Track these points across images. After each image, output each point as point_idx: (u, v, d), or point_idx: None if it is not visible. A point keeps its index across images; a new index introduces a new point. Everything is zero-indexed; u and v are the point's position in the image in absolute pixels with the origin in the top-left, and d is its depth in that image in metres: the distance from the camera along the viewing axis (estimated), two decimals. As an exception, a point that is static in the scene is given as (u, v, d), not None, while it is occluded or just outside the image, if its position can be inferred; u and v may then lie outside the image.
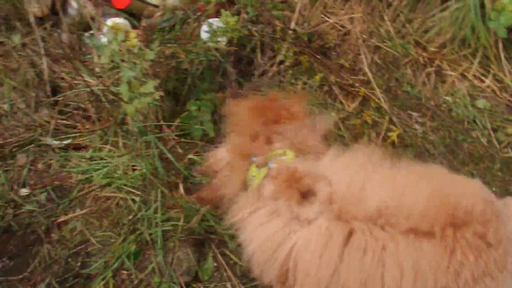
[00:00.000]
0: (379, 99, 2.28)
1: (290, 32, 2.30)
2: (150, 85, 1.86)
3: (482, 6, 2.38)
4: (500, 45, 2.45)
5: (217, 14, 2.44)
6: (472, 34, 2.45)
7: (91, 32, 2.43)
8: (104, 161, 2.12)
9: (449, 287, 1.12)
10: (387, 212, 1.15)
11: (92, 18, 2.42)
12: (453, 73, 2.48)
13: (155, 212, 1.97)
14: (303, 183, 1.20)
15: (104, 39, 2.34)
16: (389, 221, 1.14)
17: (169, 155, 2.06)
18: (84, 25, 2.48)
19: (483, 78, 2.50)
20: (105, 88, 2.10)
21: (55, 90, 2.28)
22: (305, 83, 2.28)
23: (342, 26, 2.47)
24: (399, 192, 1.17)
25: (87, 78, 2.19)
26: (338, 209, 1.18)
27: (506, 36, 2.36)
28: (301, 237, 1.21)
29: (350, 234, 1.17)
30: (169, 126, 2.13)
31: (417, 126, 2.31)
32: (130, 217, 1.98)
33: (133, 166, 2.09)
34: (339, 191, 1.20)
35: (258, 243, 1.26)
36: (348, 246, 1.16)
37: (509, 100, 2.46)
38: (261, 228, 1.26)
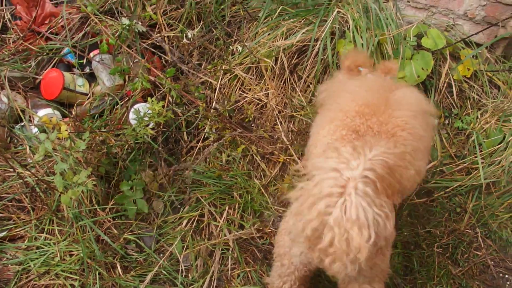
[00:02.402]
0: (297, 164, 2.54)
1: (212, 110, 2.54)
2: (83, 175, 1.99)
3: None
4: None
5: (144, 98, 2.64)
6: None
7: (22, 124, 2.54)
8: (41, 249, 2.18)
9: None
10: None
11: (23, 111, 2.54)
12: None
13: (95, 294, 2.05)
14: None
15: (35, 130, 2.46)
16: None
17: (106, 237, 2.16)
18: (14, 118, 2.58)
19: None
20: (39, 178, 2.20)
21: (-12, 184, 2.34)
22: (229, 155, 2.50)
23: (260, 100, 2.74)
24: None
25: (20, 170, 2.28)
26: None
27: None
28: None
29: None
30: (103, 209, 2.24)
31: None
32: (70, 302, 2.04)
33: (70, 251, 2.17)
34: None
35: None
36: None
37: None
38: None
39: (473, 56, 2.81)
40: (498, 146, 2.64)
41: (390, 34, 2.67)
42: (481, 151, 2.65)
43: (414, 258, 2.36)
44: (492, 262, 2.43)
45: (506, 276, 2.40)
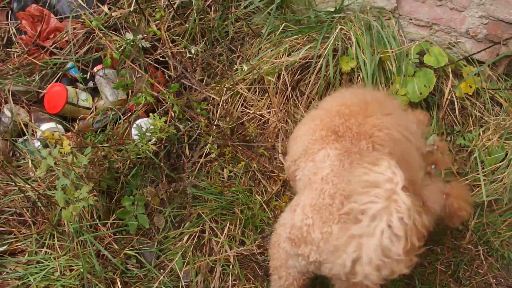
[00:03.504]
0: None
1: (214, 127, 2.54)
2: (84, 190, 1.99)
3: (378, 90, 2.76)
4: (398, 122, 2.82)
5: (146, 113, 2.65)
6: (374, 115, 2.81)
7: (25, 137, 2.55)
8: (41, 264, 2.18)
9: None
10: None
11: (26, 125, 2.55)
12: (362, 149, 2.80)
13: (94, 310, 2.03)
14: None
15: (38, 144, 2.47)
16: None
17: (106, 253, 2.16)
18: (17, 131, 2.59)
19: (388, 151, 2.83)
20: (40, 193, 2.20)
21: (-11, 198, 2.34)
22: (230, 171, 2.50)
23: (262, 116, 2.75)
24: None
25: (22, 184, 2.28)
26: None
27: (402, 116, 2.74)
28: None
29: None
30: (104, 224, 2.24)
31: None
32: (69, 318, 2.03)
33: (70, 266, 2.17)
34: None
35: None
36: None
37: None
38: None
39: (475, 74, 2.82)
40: (500, 163, 2.63)
41: (392, 52, 2.68)
42: (483, 168, 2.64)
43: (416, 276, 2.34)
44: (494, 281, 2.41)
45: (509, 295, 2.38)
